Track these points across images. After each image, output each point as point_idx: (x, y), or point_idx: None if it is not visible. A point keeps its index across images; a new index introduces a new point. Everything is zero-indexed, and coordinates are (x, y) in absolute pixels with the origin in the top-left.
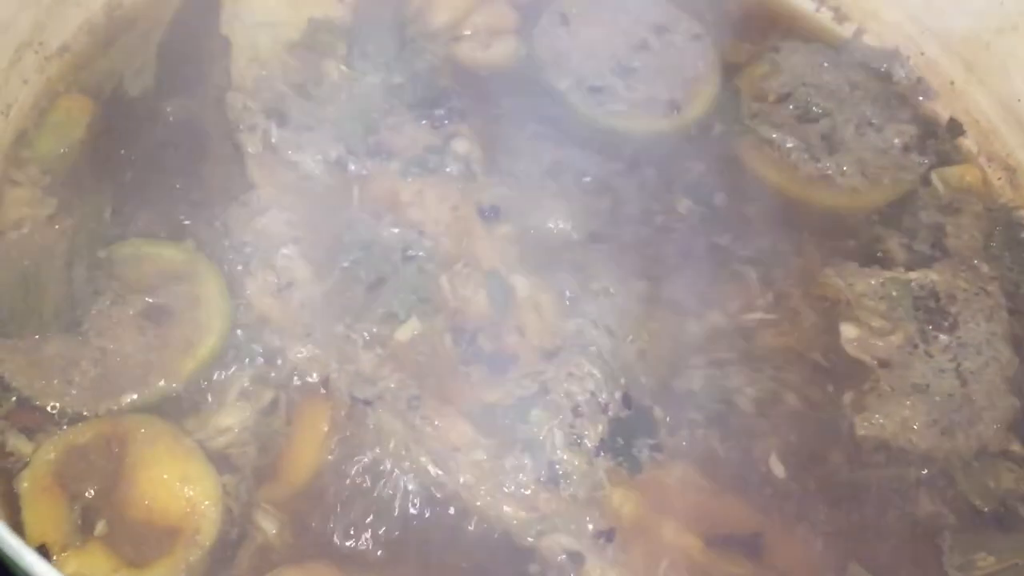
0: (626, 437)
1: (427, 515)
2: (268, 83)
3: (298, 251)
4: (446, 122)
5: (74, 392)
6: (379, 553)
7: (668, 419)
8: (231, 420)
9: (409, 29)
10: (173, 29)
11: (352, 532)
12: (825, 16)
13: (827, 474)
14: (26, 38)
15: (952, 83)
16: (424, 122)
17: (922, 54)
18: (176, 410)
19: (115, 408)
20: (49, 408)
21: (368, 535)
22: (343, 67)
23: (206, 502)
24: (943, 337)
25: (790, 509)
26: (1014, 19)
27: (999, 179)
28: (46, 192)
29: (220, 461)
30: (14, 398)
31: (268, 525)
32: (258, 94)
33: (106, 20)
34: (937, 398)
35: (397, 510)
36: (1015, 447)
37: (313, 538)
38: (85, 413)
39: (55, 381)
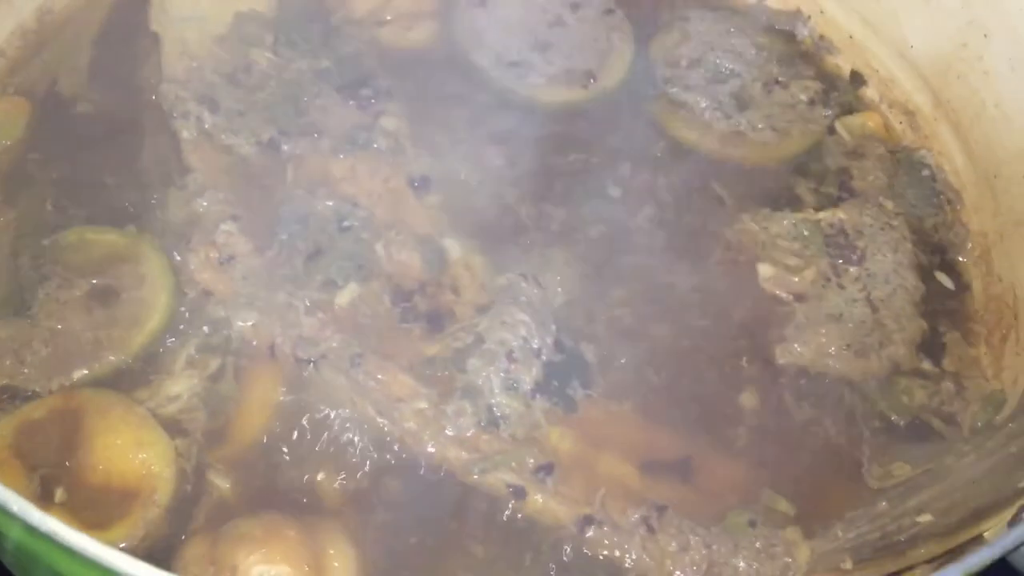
0: (560, 379)
1: (375, 462)
2: (199, 74)
3: (237, 227)
4: (373, 101)
5: (26, 371)
6: (331, 500)
7: (598, 361)
8: (180, 388)
9: (333, 17)
10: (104, 29)
11: (304, 482)
12: None
13: (751, 401)
14: None
15: (851, 37)
16: (352, 103)
17: (822, 12)
18: (127, 382)
19: (67, 383)
20: (2, 387)
21: (319, 484)
22: (270, 55)
23: (160, 464)
24: (853, 269)
25: (716, 434)
26: None
27: (900, 123)
28: None
29: (172, 426)
30: None
31: (221, 482)
32: (190, 84)
33: (38, 25)
34: (850, 325)
35: (346, 459)
36: (925, 365)
37: (266, 491)
38: (38, 390)
39: (7, 362)
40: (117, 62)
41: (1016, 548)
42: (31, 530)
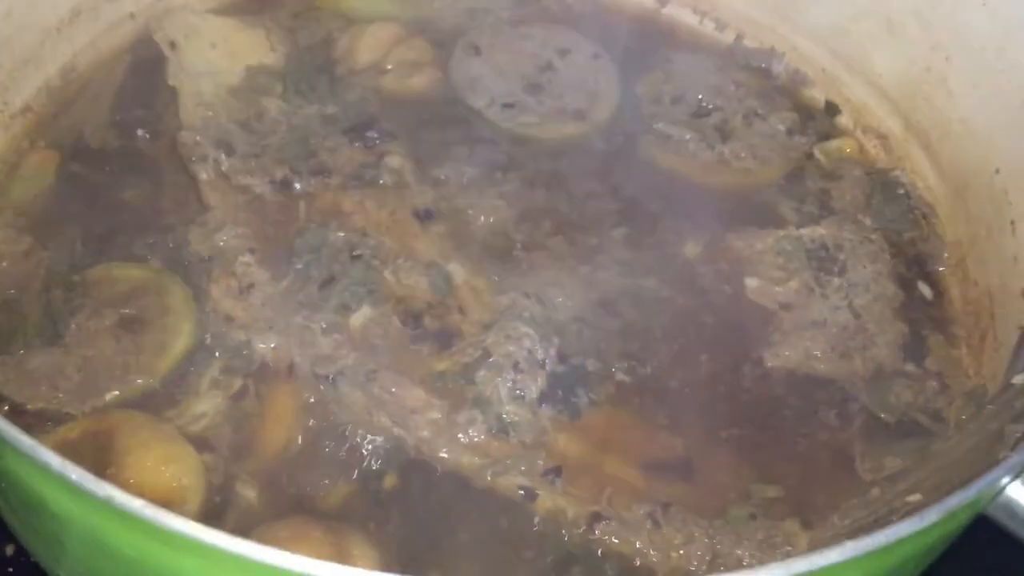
0: (564, 388)
1: (392, 469)
2: (215, 121)
3: (255, 259)
4: (378, 142)
5: (61, 395)
6: (352, 505)
7: (599, 370)
8: (205, 407)
9: (338, 68)
10: (125, 85)
11: (326, 490)
12: (708, 27)
13: (744, 403)
14: None
15: (823, 70)
16: (358, 144)
17: (795, 49)
18: (156, 404)
19: (99, 405)
20: (39, 411)
21: (341, 490)
22: (281, 103)
23: (190, 477)
24: (835, 280)
25: (714, 435)
26: (865, 6)
27: (874, 146)
28: (21, 231)
29: (199, 443)
30: (6, 406)
31: (248, 492)
32: (207, 131)
33: (62, 82)
34: (834, 330)
35: (364, 467)
36: (908, 367)
37: (291, 498)
38: (72, 412)
39: (42, 387)
40: (138, 113)
41: (993, 498)
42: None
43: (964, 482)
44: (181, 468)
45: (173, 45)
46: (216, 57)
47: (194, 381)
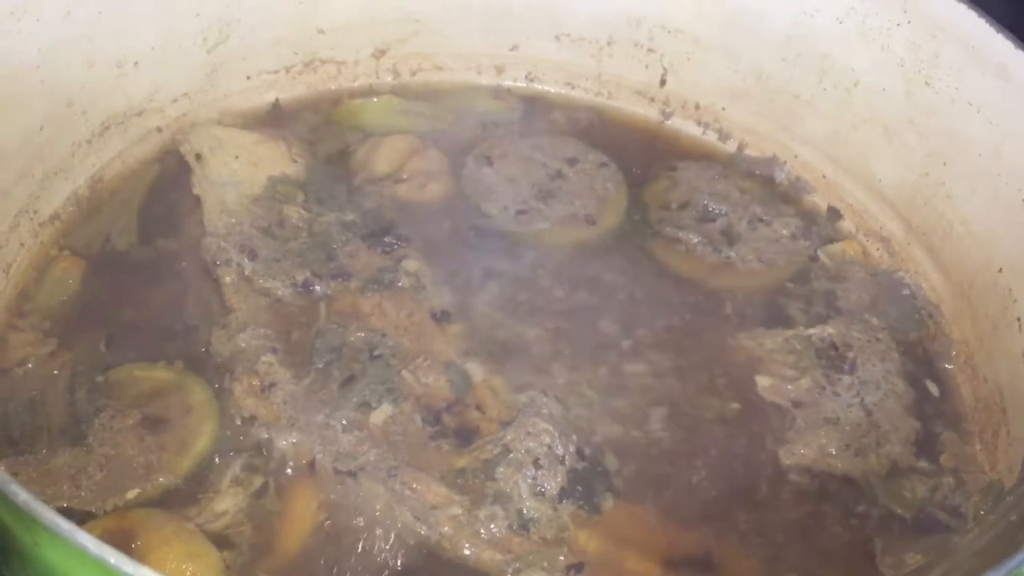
0: (584, 485)
1: (415, 565)
2: (238, 228)
3: (276, 359)
4: (395, 246)
5: (83, 494)
6: None
7: (618, 468)
8: (226, 504)
9: (356, 178)
10: (151, 194)
11: None
12: (711, 137)
13: (762, 499)
14: (23, 206)
15: (824, 176)
16: (376, 249)
17: (796, 157)
18: (177, 501)
19: (120, 504)
20: (61, 509)
21: None
22: (302, 211)
23: (211, 574)
24: (846, 378)
25: (734, 531)
26: (863, 115)
27: (877, 249)
28: (47, 334)
29: (220, 540)
30: None
31: None
32: (230, 237)
33: (90, 192)
34: (847, 427)
35: (387, 564)
36: (922, 463)
37: None
38: (94, 511)
39: (65, 486)
40: (163, 221)
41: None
42: None
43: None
44: (202, 566)
45: (198, 157)
46: (239, 168)
47: (215, 479)
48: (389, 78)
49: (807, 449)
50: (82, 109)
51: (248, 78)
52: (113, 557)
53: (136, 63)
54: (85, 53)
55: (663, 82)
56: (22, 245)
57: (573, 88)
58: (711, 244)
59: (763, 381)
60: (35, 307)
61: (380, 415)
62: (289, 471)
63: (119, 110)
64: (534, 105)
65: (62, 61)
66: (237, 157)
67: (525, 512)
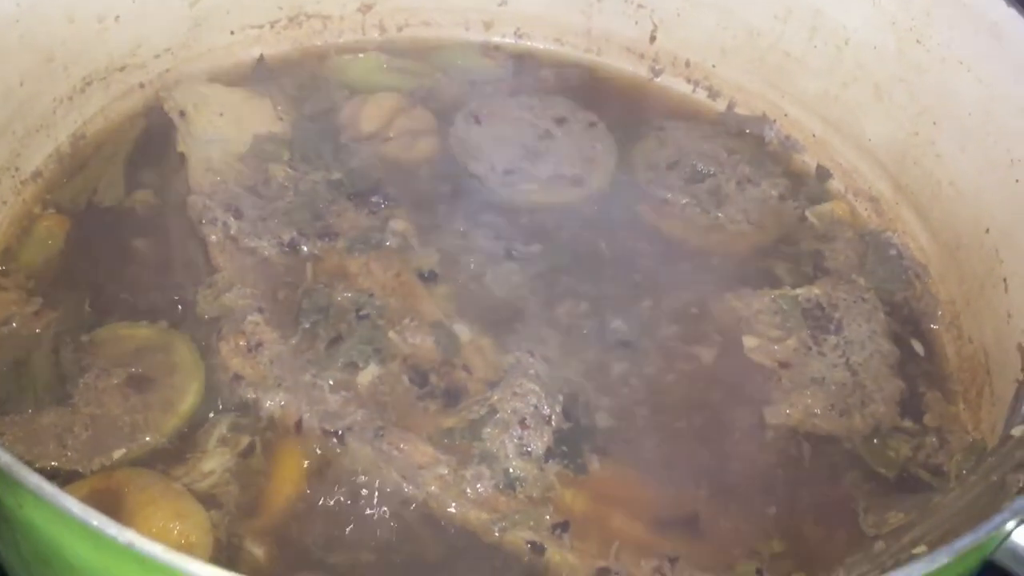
0: (570, 445)
1: (402, 524)
2: (223, 187)
3: (263, 318)
4: (382, 206)
5: (69, 453)
6: (361, 559)
7: (604, 428)
8: (213, 464)
9: (342, 136)
10: (135, 152)
11: (335, 544)
12: (701, 95)
13: (748, 461)
14: (3, 163)
15: (814, 136)
16: (363, 208)
17: (785, 115)
18: (164, 461)
19: (107, 463)
20: (47, 469)
21: (350, 546)
22: (288, 169)
23: (198, 534)
24: (832, 338)
25: (719, 491)
26: (853, 73)
27: (866, 209)
28: (31, 293)
29: (207, 500)
30: None
31: (256, 549)
32: (215, 196)
33: (72, 149)
34: (833, 387)
35: (374, 522)
36: (906, 423)
37: (299, 555)
38: (80, 470)
39: (51, 446)
40: (148, 176)
41: (1000, 543)
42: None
43: (976, 524)
44: (189, 525)
45: (182, 114)
46: (224, 125)
47: (202, 439)
48: (376, 34)
49: (792, 409)
50: (63, 64)
51: (232, 33)
52: (96, 520)
53: (117, 17)
54: (65, 7)
55: (653, 38)
56: (4, 203)
57: (562, 44)
58: (700, 205)
59: (750, 342)
60: (19, 265)
61: (367, 375)
62: (276, 431)
63: (100, 65)
64: (523, 62)
65: (41, 15)
66: (222, 114)
67: (511, 472)
